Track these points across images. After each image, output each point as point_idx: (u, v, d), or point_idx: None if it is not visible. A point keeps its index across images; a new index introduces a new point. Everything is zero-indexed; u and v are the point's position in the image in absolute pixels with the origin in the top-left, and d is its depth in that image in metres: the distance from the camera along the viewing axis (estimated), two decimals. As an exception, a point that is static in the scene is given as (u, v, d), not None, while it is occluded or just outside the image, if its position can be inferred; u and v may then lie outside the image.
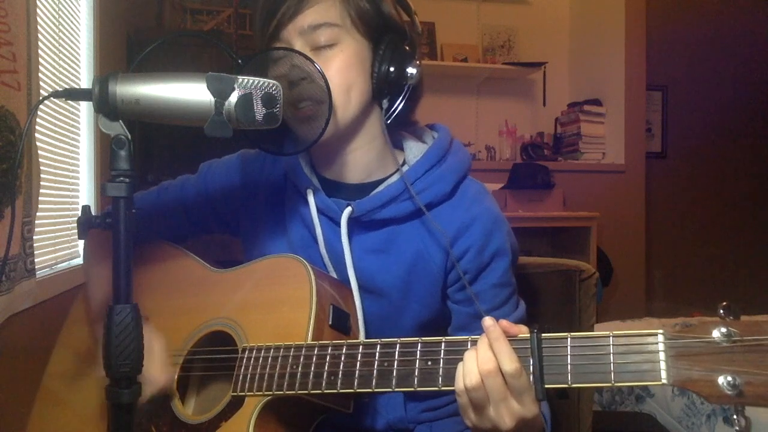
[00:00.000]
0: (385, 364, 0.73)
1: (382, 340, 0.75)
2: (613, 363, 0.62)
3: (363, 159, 0.92)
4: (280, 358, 0.79)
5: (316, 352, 0.77)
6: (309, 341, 0.79)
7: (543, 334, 0.66)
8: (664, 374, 0.60)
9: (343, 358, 0.75)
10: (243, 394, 0.81)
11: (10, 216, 0.91)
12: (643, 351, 0.61)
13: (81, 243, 1.52)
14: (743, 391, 0.56)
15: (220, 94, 0.65)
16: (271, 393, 0.78)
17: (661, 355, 0.60)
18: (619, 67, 3.56)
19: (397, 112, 0.89)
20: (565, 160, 3.67)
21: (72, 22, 1.65)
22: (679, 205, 4.14)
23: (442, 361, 0.70)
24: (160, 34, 2.65)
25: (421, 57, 0.93)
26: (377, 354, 0.74)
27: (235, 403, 0.82)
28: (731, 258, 4.14)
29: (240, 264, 0.97)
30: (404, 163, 0.93)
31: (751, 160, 4.26)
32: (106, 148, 1.81)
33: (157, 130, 2.35)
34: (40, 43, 1.25)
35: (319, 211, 0.92)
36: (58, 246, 1.50)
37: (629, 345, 0.62)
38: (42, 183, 1.20)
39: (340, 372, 0.75)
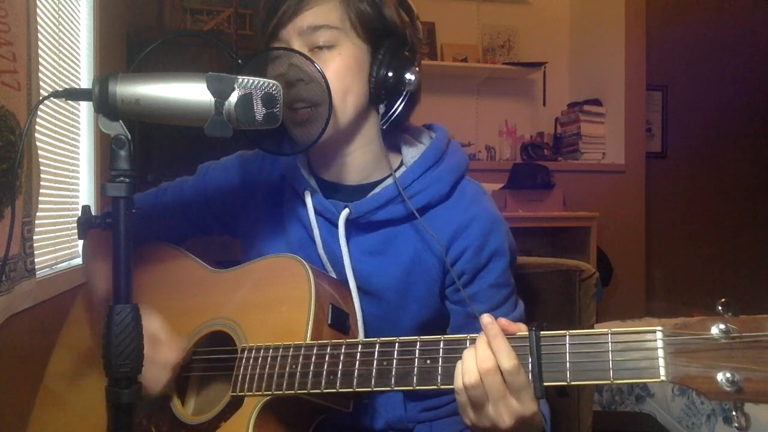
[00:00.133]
0: (384, 363, 0.73)
1: (381, 339, 0.75)
2: (612, 360, 0.62)
3: (360, 161, 0.92)
4: (279, 358, 0.79)
5: (315, 351, 0.77)
6: (308, 341, 0.79)
7: (541, 332, 0.66)
8: (662, 371, 0.60)
9: (342, 358, 0.75)
10: (242, 394, 0.81)
11: (10, 216, 0.91)
12: (641, 348, 0.61)
13: (81, 243, 1.52)
14: (742, 388, 0.56)
15: (220, 94, 0.65)
16: (270, 393, 0.78)
17: (660, 352, 0.60)
18: (619, 67, 3.55)
19: (393, 117, 0.88)
20: (565, 160, 3.67)
21: (72, 22, 1.65)
22: (679, 205, 4.13)
23: (441, 359, 0.70)
24: (160, 34, 2.65)
25: (421, 57, 0.92)
26: (376, 353, 0.74)
27: (235, 404, 0.82)
28: (731, 258, 4.13)
29: (239, 264, 0.97)
30: (401, 164, 0.93)
31: (751, 160, 4.25)
32: (106, 148, 1.81)
33: (157, 130, 2.35)
34: (40, 43, 1.25)
35: (316, 212, 0.92)
36: (58, 246, 1.50)
37: (628, 342, 0.62)
38: (42, 183, 1.20)
39: (339, 371, 0.75)
